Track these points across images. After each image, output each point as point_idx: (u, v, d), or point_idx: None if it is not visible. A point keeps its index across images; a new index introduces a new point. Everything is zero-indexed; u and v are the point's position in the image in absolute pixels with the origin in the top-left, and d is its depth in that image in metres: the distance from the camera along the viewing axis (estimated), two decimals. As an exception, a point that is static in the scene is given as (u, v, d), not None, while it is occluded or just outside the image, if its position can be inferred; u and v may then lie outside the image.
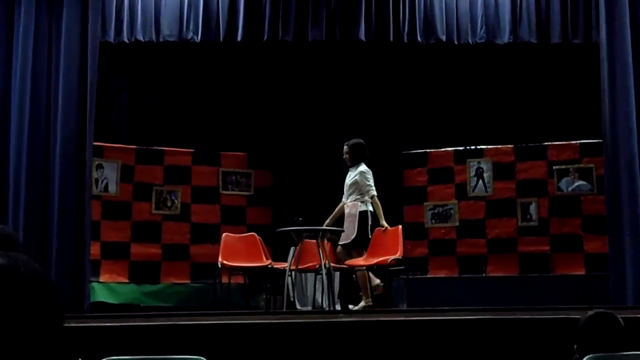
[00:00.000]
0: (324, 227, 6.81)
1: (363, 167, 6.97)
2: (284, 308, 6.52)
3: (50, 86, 6.47)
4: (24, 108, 6.39)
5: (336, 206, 7.20)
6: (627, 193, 6.26)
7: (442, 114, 8.93)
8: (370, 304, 6.68)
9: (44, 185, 6.33)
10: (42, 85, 6.46)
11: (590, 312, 3.13)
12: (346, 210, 6.90)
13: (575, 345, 3.12)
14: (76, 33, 6.41)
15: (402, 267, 7.21)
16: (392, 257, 6.86)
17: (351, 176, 6.96)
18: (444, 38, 7.25)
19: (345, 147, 7.05)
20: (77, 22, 6.43)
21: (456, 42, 7.33)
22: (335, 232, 6.96)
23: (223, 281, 7.22)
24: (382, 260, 6.86)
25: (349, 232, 6.85)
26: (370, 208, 6.94)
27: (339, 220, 7.08)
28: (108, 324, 4.94)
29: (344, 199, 7.06)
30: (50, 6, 6.53)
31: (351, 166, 7.00)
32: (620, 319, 3.08)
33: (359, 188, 6.88)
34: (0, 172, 6.33)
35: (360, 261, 7.03)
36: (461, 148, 8.69)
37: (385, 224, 7.00)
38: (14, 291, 0.99)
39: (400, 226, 7.29)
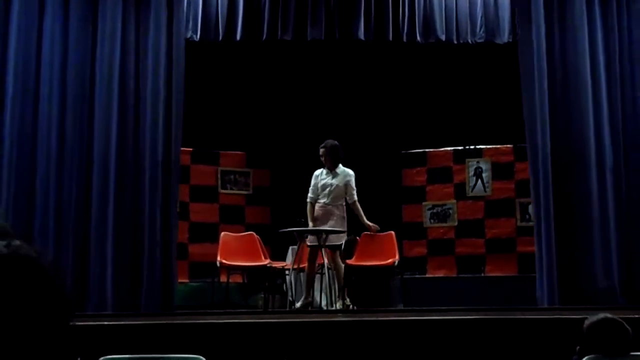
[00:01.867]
0: (327, 228, 6.76)
1: (350, 171, 6.93)
2: (287, 307, 6.52)
3: (139, 87, 6.37)
4: (110, 110, 6.27)
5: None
6: (543, 195, 6.19)
7: (441, 114, 8.92)
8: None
9: (136, 187, 6.24)
10: (130, 86, 6.35)
11: (597, 317, 3.10)
12: (337, 212, 6.85)
13: (578, 347, 3.10)
14: (162, 32, 6.36)
15: (398, 269, 7.25)
16: (394, 259, 6.97)
17: (335, 178, 6.89)
18: (443, 38, 7.24)
19: (322, 149, 6.91)
20: (164, 20, 6.36)
21: (455, 42, 7.32)
22: (337, 233, 6.95)
23: (221, 280, 7.21)
24: (389, 262, 7.00)
25: (342, 234, 6.84)
26: None
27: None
28: (106, 323, 4.94)
29: (312, 200, 6.94)
30: (137, 3, 6.45)
31: (330, 167, 6.93)
32: (628, 326, 3.05)
33: (347, 191, 6.86)
34: (85, 175, 6.21)
35: (362, 262, 7.08)
36: (460, 148, 8.69)
37: (370, 223, 7.00)
38: (15, 280, 0.95)
39: (393, 232, 7.33)
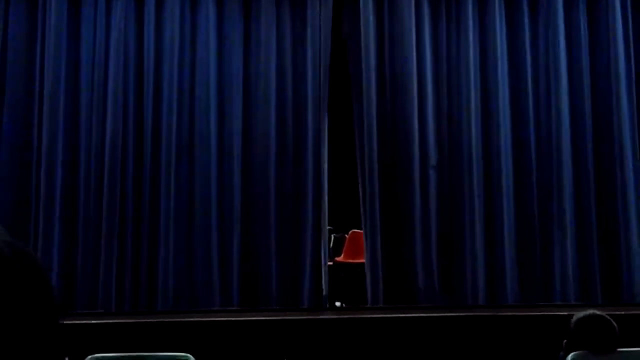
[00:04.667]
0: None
1: None
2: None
3: (296, 89, 6.27)
4: (269, 111, 6.14)
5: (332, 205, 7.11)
6: (369, 194, 6.15)
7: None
8: None
9: (298, 186, 6.13)
10: (288, 87, 6.24)
11: (584, 313, 3.11)
12: None
13: (565, 341, 3.12)
14: (316, 30, 6.23)
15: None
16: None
17: None
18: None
19: None
20: (317, 18, 6.23)
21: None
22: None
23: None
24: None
25: None
26: None
27: None
28: (94, 322, 4.91)
29: None
30: (292, 2, 6.31)
31: None
32: (614, 322, 3.06)
33: None
34: (245, 176, 6.10)
35: (350, 260, 7.08)
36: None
37: None
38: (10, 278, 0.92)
39: None
